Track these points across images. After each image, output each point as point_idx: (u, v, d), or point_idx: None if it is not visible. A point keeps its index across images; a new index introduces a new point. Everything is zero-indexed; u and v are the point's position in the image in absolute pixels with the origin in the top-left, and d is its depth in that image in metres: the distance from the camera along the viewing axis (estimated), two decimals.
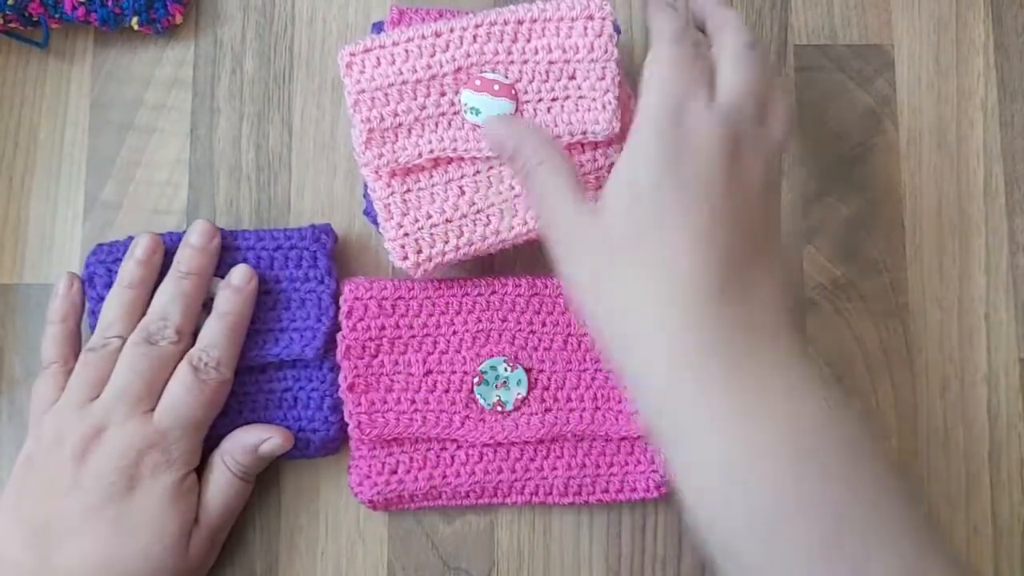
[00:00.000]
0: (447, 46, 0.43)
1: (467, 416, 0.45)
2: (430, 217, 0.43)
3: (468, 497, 0.46)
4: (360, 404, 0.45)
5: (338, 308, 0.46)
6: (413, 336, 0.45)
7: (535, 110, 0.43)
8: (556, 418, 0.45)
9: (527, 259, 0.49)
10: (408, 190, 0.44)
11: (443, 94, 0.43)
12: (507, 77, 0.43)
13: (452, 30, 0.43)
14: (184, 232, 0.46)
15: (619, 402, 0.45)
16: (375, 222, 0.47)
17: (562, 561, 0.47)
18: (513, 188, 0.43)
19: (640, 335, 0.36)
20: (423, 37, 0.43)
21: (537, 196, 0.40)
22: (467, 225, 0.43)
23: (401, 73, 0.43)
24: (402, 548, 0.47)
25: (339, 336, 0.45)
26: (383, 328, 0.45)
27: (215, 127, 0.50)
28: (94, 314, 0.45)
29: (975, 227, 0.50)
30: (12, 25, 0.49)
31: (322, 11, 0.51)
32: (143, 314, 0.44)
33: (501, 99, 0.43)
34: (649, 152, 0.37)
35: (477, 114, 0.43)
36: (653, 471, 0.46)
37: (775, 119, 0.39)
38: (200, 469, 0.44)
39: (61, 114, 0.50)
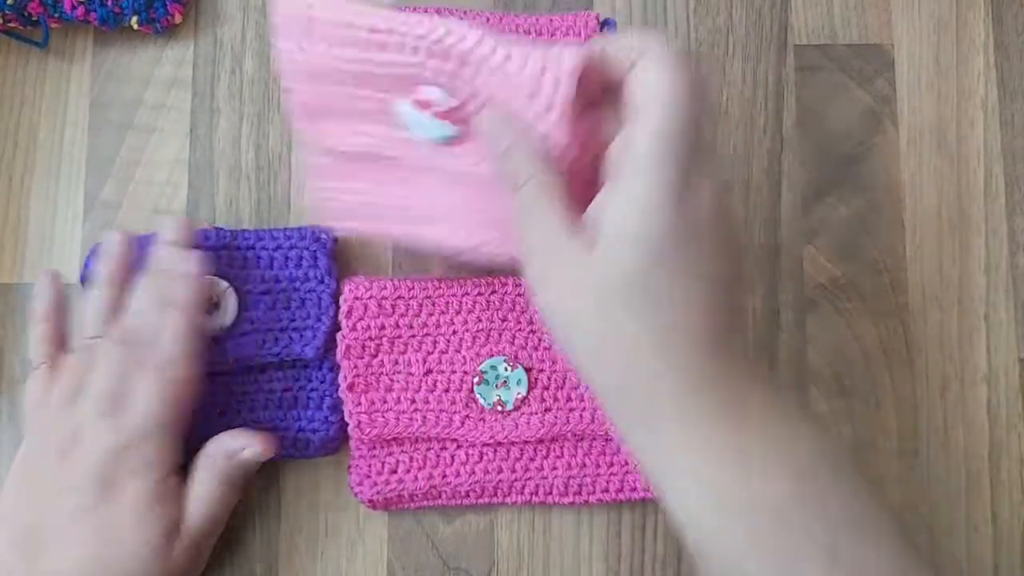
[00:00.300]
0: (384, 47, 0.37)
1: (467, 416, 0.45)
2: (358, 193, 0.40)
3: (468, 497, 0.46)
4: (360, 404, 0.45)
5: (338, 308, 0.46)
6: (413, 336, 0.45)
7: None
8: (556, 418, 0.45)
9: None
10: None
11: (386, 91, 0.38)
12: (454, 97, 0.37)
13: (392, 31, 0.36)
14: (202, 230, 0.46)
15: None
16: None
17: (562, 561, 0.47)
18: (445, 200, 0.39)
19: (637, 381, 0.34)
20: (358, 27, 0.37)
21: (520, 213, 0.36)
22: (379, 214, 0.40)
23: (339, 57, 0.37)
24: (402, 548, 0.47)
25: (339, 336, 0.45)
26: (383, 328, 0.45)
27: (215, 127, 0.50)
28: None
29: (975, 227, 0.50)
30: (12, 25, 0.49)
31: None
32: (120, 313, 0.43)
33: (440, 121, 0.38)
34: (665, 190, 0.33)
35: (413, 129, 0.38)
36: None
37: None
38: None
39: (61, 114, 0.50)
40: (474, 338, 0.45)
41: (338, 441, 0.46)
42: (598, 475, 0.46)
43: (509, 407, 0.45)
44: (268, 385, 0.46)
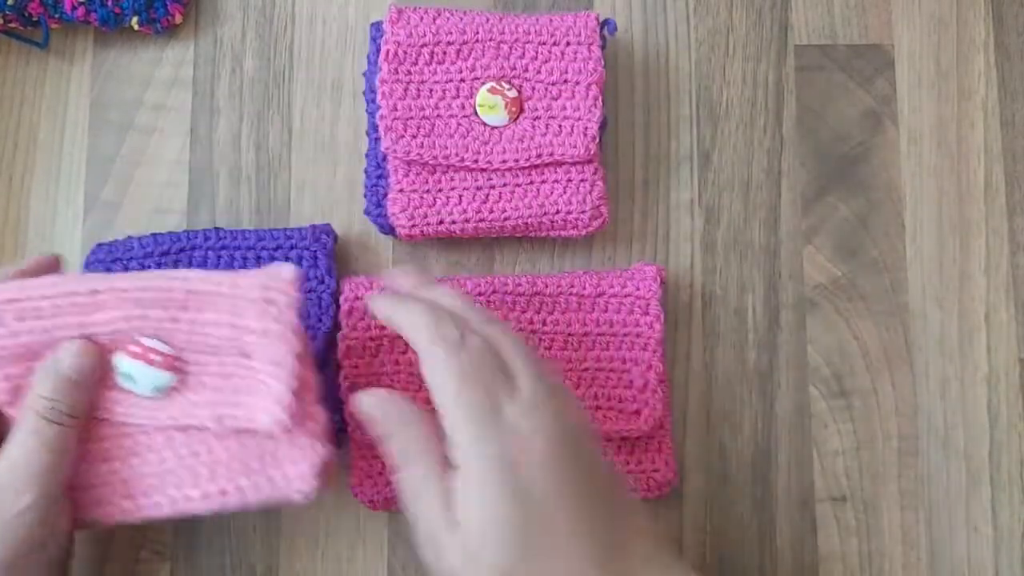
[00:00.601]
0: (103, 305, 0.38)
1: None
2: (76, 476, 0.39)
3: None
4: None
5: (338, 308, 0.46)
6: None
7: (203, 383, 0.39)
8: None
9: (527, 259, 0.49)
10: None
11: (104, 349, 0.38)
12: (172, 346, 0.38)
13: (112, 288, 0.38)
14: (185, 232, 0.46)
15: (620, 402, 0.45)
16: (376, 222, 0.47)
17: None
18: (165, 462, 0.39)
19: None
20: (75, 294, 0.38)
21: (407, 494, 0.37)
22: (106, 493, 0.39)
23: (47, 330, 0.38)
24: (402, 548, 0.47)
25: (339, 336, 0.45)
26: (383, 328, 0.45)
27: (215, 127, 0.50)
28: None
29: (975, 227, 0.50)
30: (12, 25, 0.49)
31: (322, 11, 0.51)
32: None
33: (160, 371, 0.38)
34: (489, 493, 0.35)
35: (132, 382, 0.38)
36: (654, 471, 0.46)
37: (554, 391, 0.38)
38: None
39: (61, 114, 0.50)
40: None
41: (338, 441, 0.46)
42: None
43: None
44: None
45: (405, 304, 0.39)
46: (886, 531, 0.48)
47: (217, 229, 0.47)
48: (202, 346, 0.38)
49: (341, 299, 0.46)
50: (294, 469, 0.39)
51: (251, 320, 0.38)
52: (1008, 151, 0.51)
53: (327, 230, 0.47)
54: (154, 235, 0.47)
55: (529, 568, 0.34)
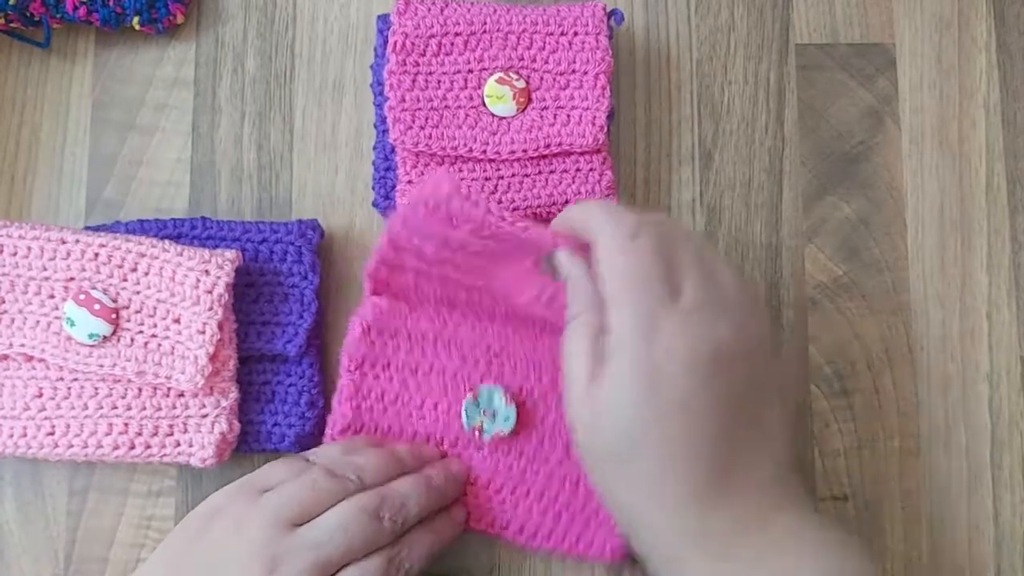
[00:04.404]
0: (67, 254, 0.43)
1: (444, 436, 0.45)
2: (1, 409, 0.44)
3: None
4: (354, 394, 0.45)
5: (320, 304, 0.46)
6: (411, 354, 0.45)
7: (132, 340, 0.43)
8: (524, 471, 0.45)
9: None
10: None
11: (51, 296, 0.43)
12: (115, 301, 0.43)
13: (77, 241, 0.43)
14: (172, 220, 0.46)
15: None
16: (384, 214, 0.47)
17: (564, 561, 0.47)
18: (87, 408, 0.44)
19: (638, 526, 0.38)
20: (48, 240, 0.43)
21: (565, 348, 0.39)
22: (31, 428, 0.44)
23: (17, 267, 0.43)
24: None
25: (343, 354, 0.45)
26: (397, 349, 0.45)
27: (216, 126, 0.50)
28: None
29: (977, 226, 0.50)
30: (13, 25, 0.49)
31: (323, 10, 0.51)
32: (375, 479, 0.42)
33: (98, 319, 0.43)
34: (625, 382, 0.36)
35: (72, 326, 0.43)
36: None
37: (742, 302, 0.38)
38: None
39: (63, 114, 0.50)
40: (478, 362, 0.46)
41: (313, 436, 0.46)
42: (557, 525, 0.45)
43: (486, 439, 0.44)
44: (247, 377, 0.46)
45: (585, 203, 0.40)
46: (887, 530, 0.48)
47: (204, 218, 0.47)
48: (141, 306, 0.43)
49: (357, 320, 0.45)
50: (199, 438, 0.44)
51: (187, 287, 0.42)
52: (1010, 150, 0.51)
53: (313, 225, 0.47)
54: (141, 221, 0.47)
55: (634, 465, 0.37)
